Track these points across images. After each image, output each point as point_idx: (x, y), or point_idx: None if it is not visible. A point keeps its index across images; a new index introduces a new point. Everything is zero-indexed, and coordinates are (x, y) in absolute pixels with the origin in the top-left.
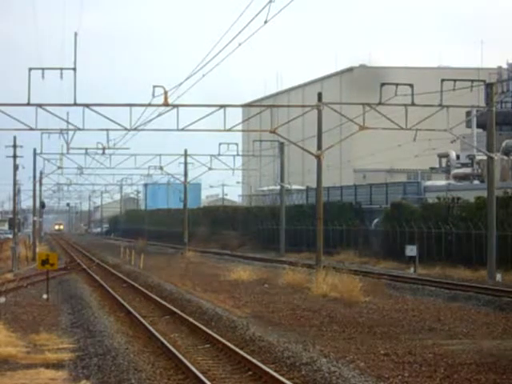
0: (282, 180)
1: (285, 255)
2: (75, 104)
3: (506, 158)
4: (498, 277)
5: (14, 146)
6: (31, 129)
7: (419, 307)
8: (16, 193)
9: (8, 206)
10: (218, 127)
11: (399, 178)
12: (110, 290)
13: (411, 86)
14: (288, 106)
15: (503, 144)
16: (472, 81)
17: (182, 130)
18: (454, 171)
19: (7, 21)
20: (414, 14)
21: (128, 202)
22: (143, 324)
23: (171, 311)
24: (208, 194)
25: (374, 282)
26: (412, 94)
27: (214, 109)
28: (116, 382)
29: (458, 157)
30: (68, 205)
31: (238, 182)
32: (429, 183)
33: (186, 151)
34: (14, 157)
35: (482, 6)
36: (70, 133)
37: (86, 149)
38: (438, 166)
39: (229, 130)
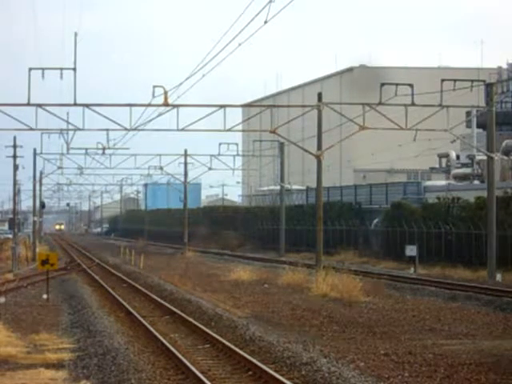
0: (282, 180)
1: (285, 255)
2: (75, 104)
3: (506, 157)
4: (498, 277)
5: (14, 146)
6: (31, 129)
7: (419, 307)
8: (16, 193)
9: (8, 206)
10: (217, 127)
11: (399, 178)
12: (110, 290)
13: (411, 86)
14: (288, 106)
15: (503, 144)
16: (472, 81)
17: (182, 130)
18: (454, 171)
19: (7, 21)
20: (413, 14)
21: (128, 202)
22: (143, 324)
23: (171, 311)
24: (208, 194)
25: (374, 282)
26: (412, 94)
27: (213, 109)
28: (116, 382)
29: (457, 157)
30: (68, 205)
31: (238, 182)
32: (429, 183)
33: (185, 151)
34: (14, 157)
35: (482, 6)
36: (70, 133)
37: (86, 149)
38: (438, 166)
39: (229, 130)
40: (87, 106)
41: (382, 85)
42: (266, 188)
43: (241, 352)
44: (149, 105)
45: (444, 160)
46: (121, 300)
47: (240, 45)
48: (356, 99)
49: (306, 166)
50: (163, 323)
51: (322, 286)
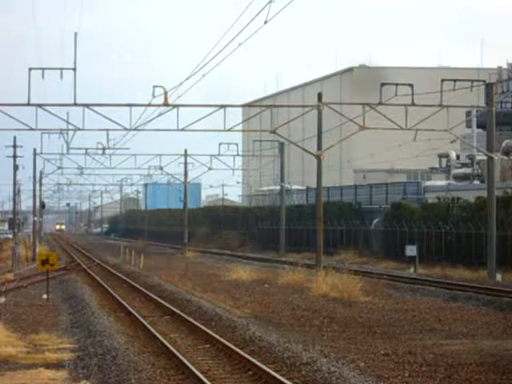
0: (282, 180)
1: (285, 255)
2: (75, 104)
3: (506, 158)
4: (498, 277)
5: (14, 146)
6: (31, 129)
7: (419, 307)
8: (16, 193)
9: (8, 206)
10: (218, 127)
11: (399, 178)
12: (110, 290)
13: (411, 86)
14: (288, 106)
15: (503, 144)
16: (472, 81)
17: (182, 130)
18: (454, 171)
19: (7, 21)
20: (413, 14)
21: (128, 202)
22: (143, 324)
23: (171, 311)
24: (208, 194)
25: (374, 282)
26: (412, 94)
27: (213, 109)
28: (116, 382)
29: (457, 157)
30: (68, 205)
31: (238, 182)
32: (429, 183)
33: (185, 151)
34: (14, 157)
35: (482, 6)
36: (70, 133)
37: (86, 149)
38: (438, 166)
39: (229, 130)
40: (87, 106)
41: (382, 85)
42: (265, 188)
43: (241, 352)
44: (149, 105)
45: (444, 160)
46: (121, 300)
47: (240, 45)
48: (356, 99)
49: (306, 166)
50: (163, 323)
51: (322, 286)
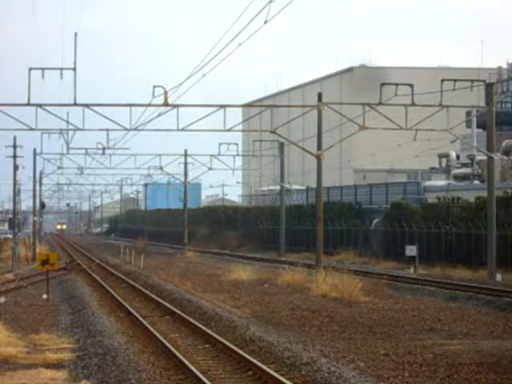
0: (282, 180)
1: (285, 255)
2: (75, 104)
3: (506, 158)
4: (498, 277)
5: (14, 146)
6: (31, 129)
7: (419, 307)
8: (16, 193)
9: (8, 206)
10: (218, 127)
11: (399, 178)
12: (110, 290)
13: (411, 86)
14: (288, 106)
15: (503, 144)
16: (472, 81)
17: (182, 130)
18: (454, 171)
19: (7, 21)
20: (414, 14)
21: (128, 202)
22: (143, 324)
23: (171, 311)
24: (208, 194)
25: (374, 282)
26: (412, 94)
27: (213, 109)
28: (116, 382)
29: (457, 157)
30: (68, 205)
31: (238, 182)
32: (429, 183)
33: (185, 151)
34: (14, 157)
35: (482, 6)
36: (70, 133)
37: (86, 149)
38: (438, 166)
39: (229, 130)
40: (87, 106)
41: (382, 85)
42: (266, 188)
43: (241, 352)
44: (149, 105)
45: (444, 160)
46: (121, 300)
47: (240, 45)
48: (356, 99)
49: (306, 166)
50: (163, 323)
51: (322, 286)
